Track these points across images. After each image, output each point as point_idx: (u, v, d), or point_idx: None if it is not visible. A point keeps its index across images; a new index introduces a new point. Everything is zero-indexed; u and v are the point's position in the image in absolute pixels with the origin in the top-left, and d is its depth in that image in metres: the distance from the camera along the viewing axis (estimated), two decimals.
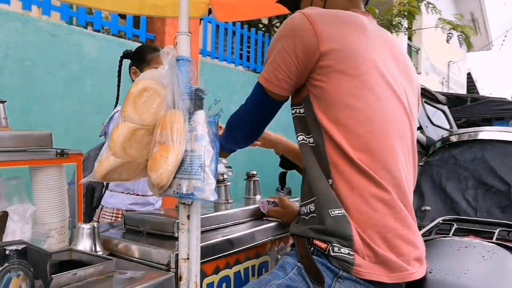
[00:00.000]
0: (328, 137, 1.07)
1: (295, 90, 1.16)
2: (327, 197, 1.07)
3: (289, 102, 1.22)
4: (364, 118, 1.07)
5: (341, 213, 1.04)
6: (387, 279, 1.03)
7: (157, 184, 1.01)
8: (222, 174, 1.79)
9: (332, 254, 1.04)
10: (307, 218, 1.15)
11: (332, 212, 1.05)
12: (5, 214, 1.08)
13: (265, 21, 6.64)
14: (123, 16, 4.10)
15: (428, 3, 7.27)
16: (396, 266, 1.04)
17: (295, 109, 1.19)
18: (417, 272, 1.08)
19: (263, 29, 6.29)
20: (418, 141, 4.48)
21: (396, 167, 1.09)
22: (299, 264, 1.08)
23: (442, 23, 7.47)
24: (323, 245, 1.06)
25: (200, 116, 1.04)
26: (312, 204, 1.13)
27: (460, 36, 7.72)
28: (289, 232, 1.26)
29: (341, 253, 1.03)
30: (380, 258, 1.03)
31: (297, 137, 1.19)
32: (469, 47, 8.12)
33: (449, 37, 7.81)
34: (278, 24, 6.67)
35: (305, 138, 1.15)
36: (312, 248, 1.08)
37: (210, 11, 2.04)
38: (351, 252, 1.02)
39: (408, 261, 1.06)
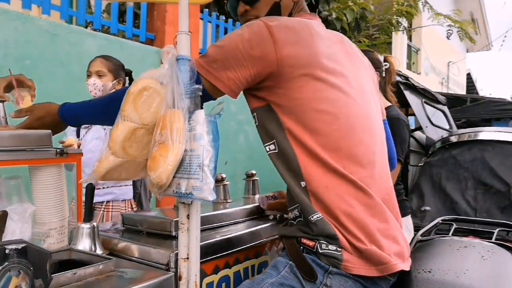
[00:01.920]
0: (296, 141, 1.10)
1: (250, 97, 1.18)
2: (304, 204, 1.10)
3: None
4: (329, 118, 1.10)
5: (319, 217, 1.07)
6: (376, 272, 1.05)
7: (157, 183, 1.01)
8: (221, 174, 1.79)
9: (320, 251, 1.07)
10: (294, 222, 1.18)
11: (312, 218, 1.08)
12: (5, 214, 1.08)
13: None
14: (122, 16, 4.11)
15: (426, 1, 7.27)
16: (381, 259, 1.06)
17: (255, 118, 1.20)
18: (398, 263, 1.09)
19: None
20: (418, 141, 4.50)
21: (368, 160, 1.13)
22: (290, 262, 1.10)
23: (436, 17, 7.44)
24: (311, 243, 1.09)
25: (200, 115, 1.04)
26: (297, 210, 1.16)
27: (460, 32, 7.70)
28: (277, 235, 1.27)
29: (328, 249, 1.06)
30: (365, 252, 1.05)
31: (265, 147, 1.20)
32: (471, 41, 8.10)
33: (449, 34, 7.82)
34: None
35: (271, 147, 1.16)
36: (301, 247, 1.11)
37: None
38: (338, 248, 1.05)
39: (390, 255, 1.08)
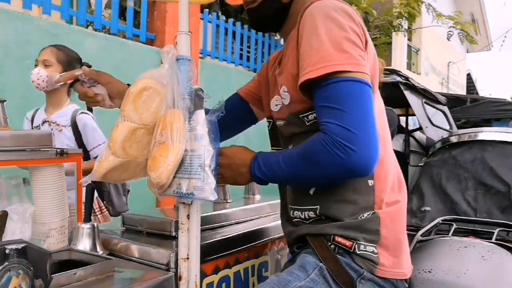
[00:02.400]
0: None
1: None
2: (359, 201, 1.05)
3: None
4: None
5: (371, 213, 1.04)
6: (405, 274, 1.06)
7: (157, 183, 1.01)
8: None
9: (358, 252, 1.01)
10: (307, 222, 1.11)
11: (363, 216, 1.04)
12: (5, 214, 1.08)
13: None
14: (123, 16, 4.11)
15: (429, 5, 7.28)
16: (407, 260, 1.08)
17: (312, 114, 1.07)
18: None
19: None
20: (418, 141, 4.50)
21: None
22: (320, 264, 1.03)
23: (438, 17, 7.44)
24: (348, 243, 1.02)
25: (200, 115, 1.04)
26: (312, 212, 1.09)
27: (461, 34, 7.70)
28: (292, 233, 1.17)
29: (366, 251, 1.01)
30: (399, 253, 1.05)
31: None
32: (472, 43, 8.08)
33: (449, 35, 7.80)
34: None
35: None
36: (332, 246, 1.04)
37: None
38: (375, 250, 1.02)
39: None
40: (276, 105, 1.21)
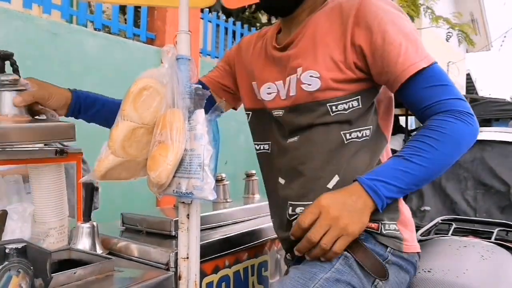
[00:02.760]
0: (379, 132, 1.10)
1: (350, 79, 1.03)
2: None
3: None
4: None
5: None
6: (418, 247, 1.09)
7: (156, 183, 1.01)
8: (221, 174, 1.79)
9: (384, 232, 1.01)
10: None
11: None
12: (5, 213, 1.08)
13: (264, 21, 6.64)
14: (123, 11, 4.10)
15: (427, 7, 7.27)
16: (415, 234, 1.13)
17: (347, 103, 1.04)
18: None
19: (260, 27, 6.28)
20: None
21: None
22: (345, 253, 0.97)
23: (433, 21, 7.44)
24: (374, 225, 1.00)
25: (200, 115, 1.04)
26: None
27: (460, 35, 7.70)
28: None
29: (390, 229, 1.02)
30: (413, 227, 1.09)
31: (349, 133, 1.05)
32: (471, 44, 8.07)
33: (448, 36, 7.79)
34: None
35: (365, 132, 1.06)
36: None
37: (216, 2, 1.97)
38: (396, 227, 1.03)
39: None
40: (269, 93, 1.14)
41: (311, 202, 0.98)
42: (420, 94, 0.99)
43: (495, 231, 1.76)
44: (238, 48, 1.32)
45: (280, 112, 1.12)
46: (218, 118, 1.04)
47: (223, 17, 5.12)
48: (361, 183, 0.94)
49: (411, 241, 1.06)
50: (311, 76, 1.03)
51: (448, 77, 1.02)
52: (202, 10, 4.71)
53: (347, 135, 1.05)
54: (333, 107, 1.03)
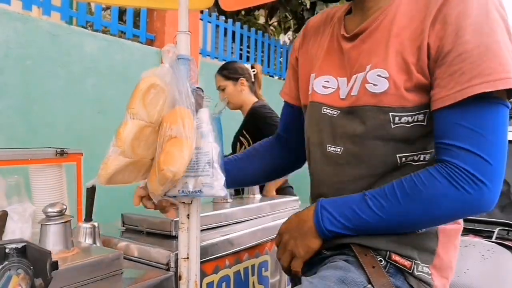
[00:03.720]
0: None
1: (421, 85, 0.84)
2: None
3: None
4: None
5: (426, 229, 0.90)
6: None
7: (173, 176, 0.94)
8: None
9: (416, 273, 0.87)
10: None
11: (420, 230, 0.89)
12: (5, 214, 1.08)
13: (262, 21, 6.64)
14: (123, 15, 4.11)
15: None
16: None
17: (413, 116, 0.86)
18: None
19: (260, 28, 6.29)
20: None
21: None
22: (369, 285, 0.84)
23: None
24: (407, 263, 0.87)
25: (205, 113, 1.03)
26: None
27: None
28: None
29: (422, 272, 0.87)
30: (451, 274, 0.94)
31: (405, 157, 0.88)
32: None
33: None
34: (275, 24, 6.68)
35: (414, 156, 0.88)
36: (384, 263, 0.88)
37: (216, 1, 1.97)
38: (429, 271, 0.88)
39: None
40: (326, 87, 0.99)
41: None
42: (446, 126, 0.81)
43: (496, 230, 1.76)
44: (302, 37, 1.14)
45: (335, 113, 0.96)
46: (220, 116, 1.05)
47: (222, 18, 5.13)
48: (315, 207, 0.92)
49: (441, 287, 0.91)
50: (378, 75, 0.87)
51: (498, 124, 0.79)
52: (201, 11, 4.71)
53: (403, 158, 0.88)
54: (396, 118, 0.86)
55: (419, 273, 0.87)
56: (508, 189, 2.86)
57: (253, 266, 1.45)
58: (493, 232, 1.74)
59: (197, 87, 1.08)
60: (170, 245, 1.21)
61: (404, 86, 0.84)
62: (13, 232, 1.13)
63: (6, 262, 0.66)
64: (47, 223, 0.96)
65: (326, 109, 0.98)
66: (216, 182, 0.97)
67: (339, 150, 0.94)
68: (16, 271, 0.66)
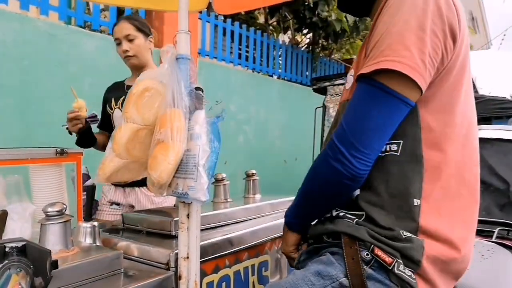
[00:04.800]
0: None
1: None
2: (403, 216, 0.92)
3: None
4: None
5: (413, 236, 0.90)
6: None
7: (157, 182, 1.00)
8: (221, 174, 1.79)
9: (396, 271, 0.89)
10: (360, 219, 0.96)
11: (403, 233, 0.91)
12: (5, 213, 1.08)
13: (262, 20, 6.63)
14: (121, 15, 4.10)
15: None
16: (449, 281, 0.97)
17: None
18: None
19: (259, 28, 6.29)
20: None
21: None
22: (343, 279, 0.92)
23: None
24: (388, 259, 0.89)
25: (200, 115, 1.04)
26: (356, 218, 0.97)
27: None
28: (325, 229, 1.01)
29: (404, 273, 0.89)
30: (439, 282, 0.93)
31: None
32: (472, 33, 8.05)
33: None
34: (275, 24, 6.68)
35: (388, 147, 0.93)
36: (369, 256, 0.91)
37: (209, 5, 1.98)
38: (413, 276, 0.89)
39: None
40: (345, 89, 1.09)
41: (347, 211, 1.00)
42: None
43: (496, 230, 1.76)
44: None
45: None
46: (220, 121, 1.04)
47: (221, 17, 5.12)
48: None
49: None
50: (351, 75, 1.02)
51: (363, 100, 0.88)
52: (200, 11, 4.71)
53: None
54: None
55: (400, 272, 0.89)
56: (507, 188, 2.87)
57: (253, 266, 1.44)
58: (493, 232, 1.75)
59: (197, 87, 1.07)
60: (170, 244, 1.21)
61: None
62: (13, 231, 1.13)
63: (6, 261, 0.66)
64: (47, 223, 0.96)
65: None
66: (199, 186, 0.98)
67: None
68: (16, 269, 0.66)
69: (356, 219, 0.95)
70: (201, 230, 1.11)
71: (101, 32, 3.76)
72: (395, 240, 0.90)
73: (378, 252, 0.90)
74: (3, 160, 1.17)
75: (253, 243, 1.45)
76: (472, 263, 1.28)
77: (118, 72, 3.53)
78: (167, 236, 1.29)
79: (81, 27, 3.59)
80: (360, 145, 0.87)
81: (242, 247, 1.39)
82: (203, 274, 1.21)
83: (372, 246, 0.91)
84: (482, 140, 3.22)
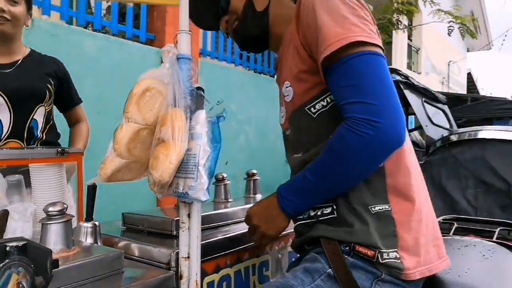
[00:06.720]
0: None
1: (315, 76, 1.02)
2: (363, 191, 0.99)
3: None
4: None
5: (383, 209, 0.98)
6: (427, 272, 1.00)
7: (159, 182, 1.00)
8: (222, 174, 1.79)
9: (382, 261, 0.94)
10: (321, 220, 1.04)
11: (373, 209, 0.98)
12: (6, 213, 1.08)
13: None
14: (123, 18, 4.11)
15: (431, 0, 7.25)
16: (432, 259, 1.02)
17: (319, 103, 1.04)
18: (441, 262, 1.06)
19: None
20: (413, 142, 4.49)
21: None
22: (329, 270, 0.97)
23: (438, 13, 7.39)
24: (370, 253, 0.95)
25: (201, 115, 1.04)
26: (329, 208, 1.04)
27: (461, 28, 7.63)
28: (303, 234, 1.10)
29: (389, 258, 0.94)
30: (422, 252, 0.99)
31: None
32: (473, 37, 8.01)
33: (450, 30, 7.73)
34: None
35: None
36: (350, 253, 0.97)
37: None
38: (397, 255, 0.95)
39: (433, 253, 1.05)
40: (282, 116, 1.20)
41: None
42: (335, 92, 0.98)
43: (497, 230, 1.76)
44: None
45: (287, 133, 1.23)
46: (221, 121, 1.04)
47: None
48: (277, 197, 1.09)
49: (413, 268, 0.97)
50: (286, 87, 1.12)
51: (366, 70, 0.93)
52: None
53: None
54: (312, 109, 1.08)
55: (386, 260, 0.94)
56: (508, 189, 2.87)
57: (253, 265, 1.44)
58: (494, 232, 1.74)
59: (198, 87, 1.08)
60: (171, 244, 1.21)
61: (300, 83, 1.08)
62: (14, 231, 1.13)
63: (7, 260, 0.66)
64: (48, 222, 0.96)
65: (285, 133, 1.25)
66: (199, 186, 0.98)
67: (302, 153, 1.14)
68: (16, 269, 0.67)
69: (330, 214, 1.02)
70: (202, 229, 1.11)
71: (103, 32, 3.76)
72: (370, 225, 0.96)
73: (360, 249, 0.96)
74: (4, 160, 1.18)
75: (254, 242, 1.45)
76: (473, 263, 1.28)
77: (120, 73, 3.55)
78: (168, 236, 1.29)
79: (83, 27, 3.59)
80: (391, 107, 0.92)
81: (243, 246, 1.39)
82: (204, 274, 1.21)
83: (353, 244, 0.96)
84: (484, 141, 3.22)
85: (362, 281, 0.95)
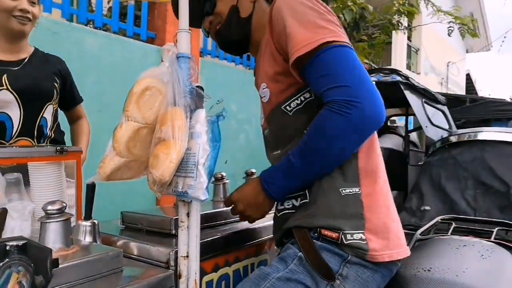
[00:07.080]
0: None
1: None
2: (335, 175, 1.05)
3: None
4: None
5: (353, 192, 1.04)
6: (396, 255, 1.04)
7: (159, 181, 1.00)
8: (221, 173, 1.79)
9: (346, 242, 1.00)
10: (294, 210, 1.12)
11: (343, 191, 1.04)
12: (4, 211, 1.08)
13: None
14: (124, 17, 4.10)
15: (428, 0, 7.24)
16: (400, 241, 1.08)
17: (294, 101, 1.12)
18: (408, 248, 1.11)
19: None
20: (413, 142, 4.49)
21: None
22: (300, 254, 1.03)
23: (438, 12, 7.38)
24: (334, 235, 1.01)
25: (201, 114, 1.04)
26: (306, 194, 1.10)
27: (461, 28, 7.62)
28: (283, 228, 1.15)
29: (354, 239, 1.00)
30: (390, 235, 1.04)
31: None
32: (474, 36, 7.99)
33: (450, 31, 7.72)
34: None
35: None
36: (320, 239, 1.03)
37: None
38: (363, 237, 1.00)
39: (402, 237, 1.11)
40: (261, 118, 1.27)
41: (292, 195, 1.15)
42: (314, 86, 1.03)
43: (495, 230, 1.76)
44: None
45: (266, 132, 1.30)
46: (221, 120, 1.05)
47: None
48: (261, 183, 1.12)
49: (380, 250, 1.01)
50: (263, 88, 1.19)
51: (336, 60, 0.99)
52: None
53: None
54: (287, 107, 1.14)
55: (350, 241, 1.00)
56: (507, 190, 2.87)
57: (252, 264, 1.45)
58: (492, 232, 1.75)
59: (197, 86, 1.08)
60: (170, 243, 1.21)
61: (276, 83, 1.15)
62: (12, 230, 1.13)
63: (7, 260, 0.66)
64: (47, 221, 0.96)
65: (264, 133, 1.31)
66: (199, 185, 0.98)
67: (280, 150, 1.21)
68: (16, 268, 0.67)
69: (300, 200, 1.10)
70: (201, 228, 1.11)
71: (104, 30, 3.75)
72: (338, 207, 1.02)
73: (325, 232, 1.02)
74: (2, 158, 1.18)
75: (253, 242, 1.45)
76: (470, 263, 1.28)
77: (120, 71, 3.55)
78: (167, 235, 1.29)
79: (84, 24, 3.58)
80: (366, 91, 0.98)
81: (241, 246, 1.39)
82: (202, 273, 1.22)
83: (319, 229, 1.03)
84: (483, 142, 3.22)
85: (331, 263, 1.00)
